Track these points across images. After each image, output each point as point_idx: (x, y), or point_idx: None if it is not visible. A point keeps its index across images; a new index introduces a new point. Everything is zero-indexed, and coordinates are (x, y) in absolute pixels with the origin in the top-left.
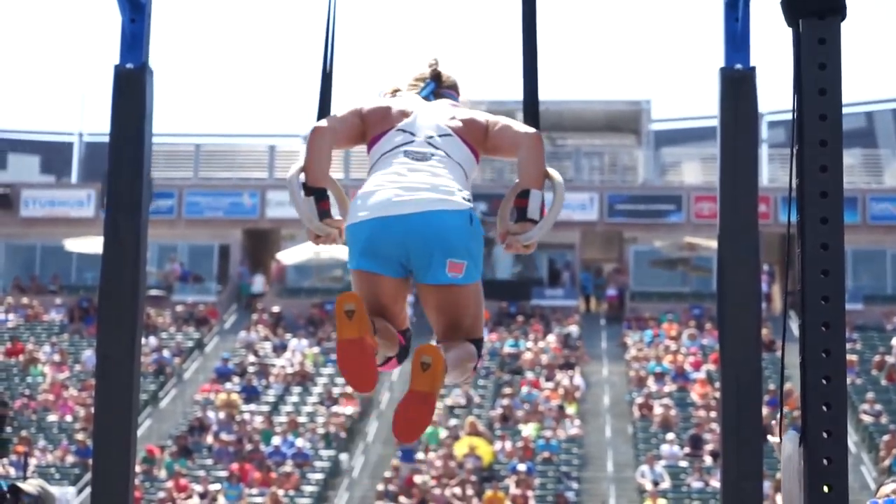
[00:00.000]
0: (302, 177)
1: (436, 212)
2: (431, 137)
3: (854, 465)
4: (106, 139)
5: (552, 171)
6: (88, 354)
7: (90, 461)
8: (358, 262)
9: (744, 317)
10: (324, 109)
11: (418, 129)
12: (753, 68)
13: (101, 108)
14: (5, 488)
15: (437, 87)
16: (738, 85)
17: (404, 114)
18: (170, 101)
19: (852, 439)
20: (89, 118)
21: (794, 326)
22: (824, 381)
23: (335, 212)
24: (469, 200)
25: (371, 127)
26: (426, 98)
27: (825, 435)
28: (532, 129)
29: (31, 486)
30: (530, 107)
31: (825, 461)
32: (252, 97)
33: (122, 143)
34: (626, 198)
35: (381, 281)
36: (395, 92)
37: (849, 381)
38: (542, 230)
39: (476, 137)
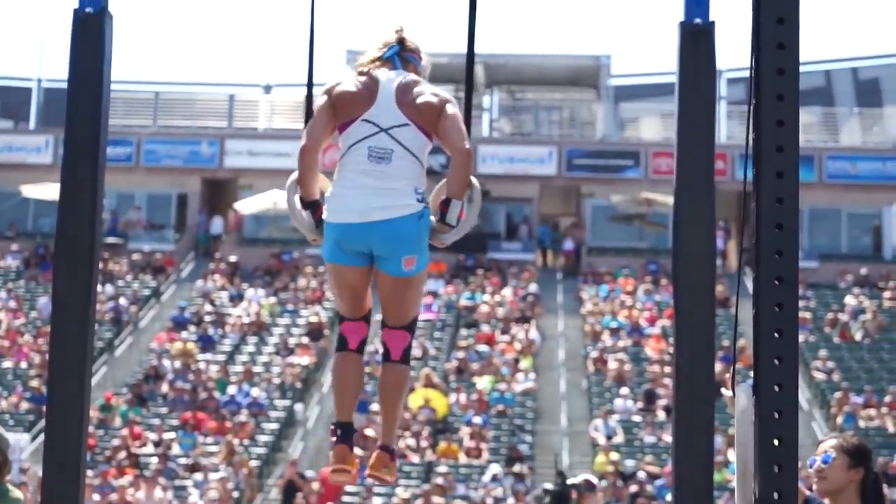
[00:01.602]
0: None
1: (394, 219)
2: (391, 128)
3: (806, 421)
4: (65, 86)
5: (474, 181)
6: (44, 301)
7: (44, 408)
8: (331, 256)
9: (698, 272)
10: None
11: (381, 117)
12: (713, 23)
13: (60, 54)
14: None
15: (401, 49)
16: (696, 40)
17: (369, 100)
18: (129, 47)
19: (804, 396)
20: (48, 64)
21: (750, 284)
22: (776, 335)
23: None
24: (421, 200)
25: (339, 113)
26: (390, 59)
27: (776, 388)
28: (466, 144)
29: None
30: (467, 62)
31: (776, 414)
32: (212, 46)
33: (80, 88)
34: (585, 152)
35: (350, 270)
36: (362, 67)
37: (802, 338)
38: (456, 235)
39: (430, 121)
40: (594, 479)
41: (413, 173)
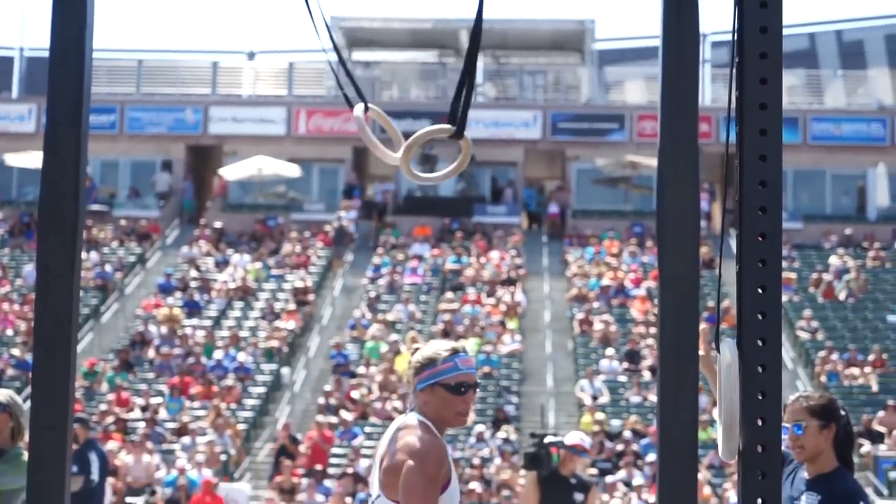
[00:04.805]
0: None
1: None
2: (374, 499)
3: (790, 380)
4: (47, 54)
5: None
6: (29, 269)
7: (30, 375)
8: None
9: (682, 233)
10: None
11: (373, 484)
12: None
13: (42, 22)
14: None
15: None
16: (680, 3)
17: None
18: (112, 15)
19: (789, 355)
20: (30, 33)
21: (734, 244)
22: (760, 290)
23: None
24: None
25: None
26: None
27: (760, 342)
28: None
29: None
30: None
31: (760, 368)
32: (195, 13)
33: (62, 55)
34: (570, 116)
35: None
36: None
37: (786, 298)
38: None
39: (395, 488)
40: (584, 442)
41: None
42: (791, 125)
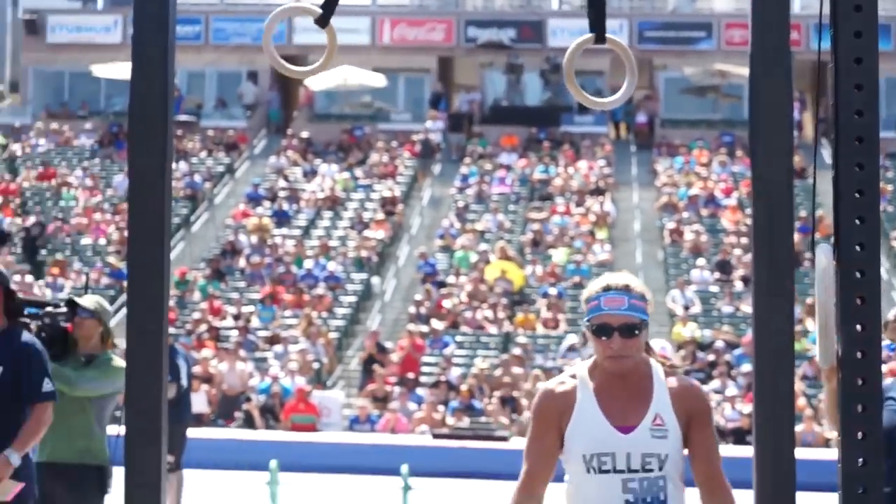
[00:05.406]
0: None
1: None
2: None
3: (885, 290)
4: None
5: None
6: (119, 179)
7: (124, 283)
8: None
9: (775, 141)
10: None
11: None
12: None
13: None
14: (63, 303)
15: None
16: None
17: None
18: None
19: (884, 266)
20: None
21: (826, 154)
22: (857, 195)
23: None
24: None
25: None
26: None
27: (858, 248)
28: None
29: (88, 301)
30: None
31: (858, 274)
32: None
33: None
34: (657, 24)
35: None
36: None
37: (881, 208)
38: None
39: None
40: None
41: None
42: (884, 32)
